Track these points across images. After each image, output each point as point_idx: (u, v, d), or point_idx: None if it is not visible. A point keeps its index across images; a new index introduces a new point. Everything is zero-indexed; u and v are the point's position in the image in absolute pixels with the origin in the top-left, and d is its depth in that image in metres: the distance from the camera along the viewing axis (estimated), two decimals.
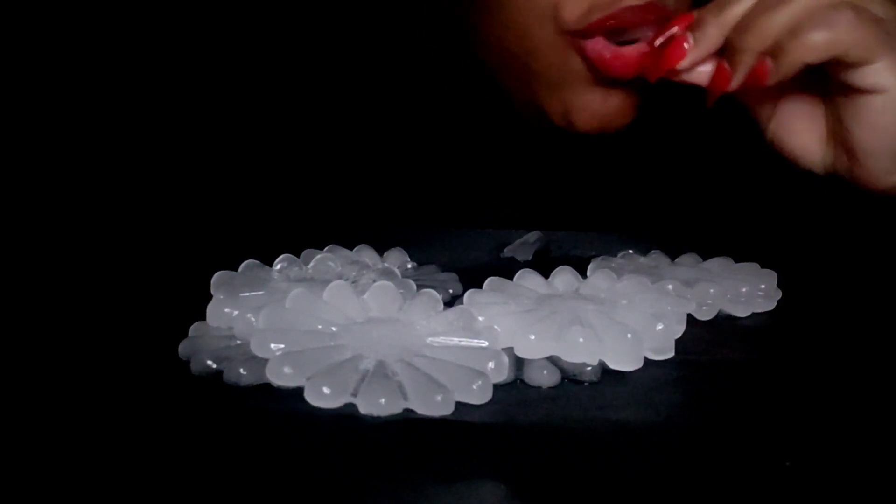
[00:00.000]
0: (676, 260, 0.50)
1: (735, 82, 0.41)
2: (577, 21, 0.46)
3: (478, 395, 0.33)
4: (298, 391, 0.33)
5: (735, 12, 0.40)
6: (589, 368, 0.37)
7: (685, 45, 0.41)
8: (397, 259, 0.49)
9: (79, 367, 0.37)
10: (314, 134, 0.63)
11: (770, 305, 0.46)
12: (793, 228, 0.56)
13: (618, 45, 0.46)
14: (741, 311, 0.45)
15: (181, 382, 0.36)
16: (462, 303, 0.40)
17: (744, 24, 0.40)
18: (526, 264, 0.48)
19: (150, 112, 0.62)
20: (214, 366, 0.35)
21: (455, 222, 0.59)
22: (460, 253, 0.54)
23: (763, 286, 0.46)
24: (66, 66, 0.61)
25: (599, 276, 0.43)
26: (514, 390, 0.36)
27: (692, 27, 0.42)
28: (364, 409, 0.32)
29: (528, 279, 0.43)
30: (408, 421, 0.32)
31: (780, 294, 0.46)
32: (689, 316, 0.42)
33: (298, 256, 0.45)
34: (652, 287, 0.42)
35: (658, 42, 0.43)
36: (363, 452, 0.30)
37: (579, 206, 0.61)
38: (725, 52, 0.41)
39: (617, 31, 0.46)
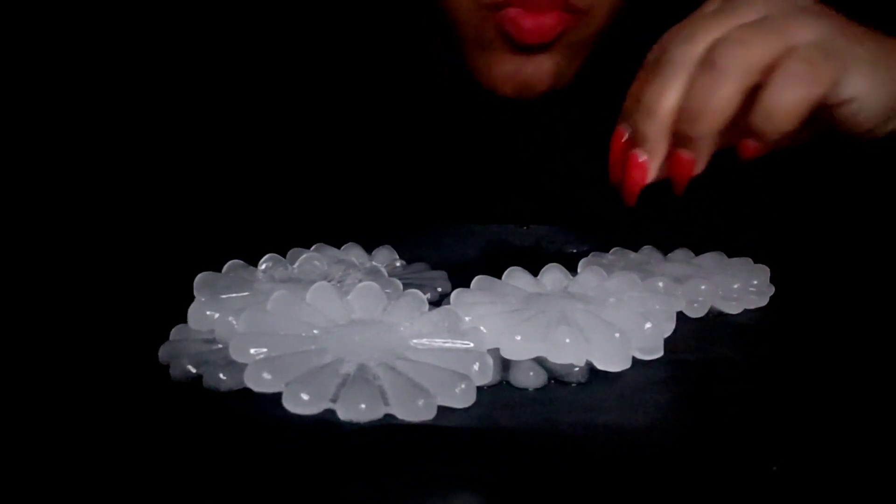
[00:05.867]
0: (668, 255, 0.49)
1: (700, 167, 0.41)
2: None
3: (461, 398, 0.33)
4: (279, 396, 0.32)
5: (666, 108, 0.40)
6: (576, 369, 0.36)
7: (641, 160, 0.40)
8: (385, 257, 0.49)
9: (57, 369, 0.37)
10: (304, 131, 0.63)
11: (762, 302, 0.45)
12: (786, 223, 0.56)
13: (535, 14, 0.51)
14: (733, 308, 0.44)
15: (160, 387, 0.35)
16: (449, 302, 0.39)
17: (689, 114, 0.39)
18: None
19: (133, 112, 0.62)
20: (194, 370, 0.35)
21: (446, 219, 0.59)
22: (451, 250, 0.53)
23: (755, 282, 0.45)
24: (50, 64, 0.61)
25: (589, 274, 0.43)
26: (499, 392, 0.35)
27: (637, 141, 0.40)
28: (343, 415, 0.32)
29: (516, 277, 0.43)
30: (389, 427, 0.32)
31: (772, 290, 0.46)
32: (680, 313, 0.42)
33: (287, 255, 0.45)
34: (641, 285, 0.42)
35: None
36: (343, 459, 0.30)
37: (572, 200, 0.60)
38: (680, 142, 0.40)
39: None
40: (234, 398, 0.34)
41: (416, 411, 0.32)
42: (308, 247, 0.46)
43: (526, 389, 0.35)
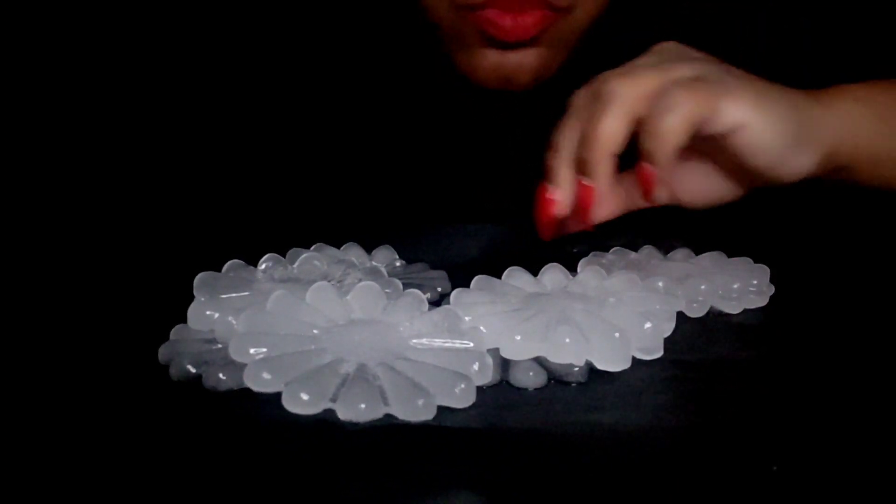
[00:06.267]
0: (668, 255, 0.49)
1: (602, 189, 0.43)
2: None
3: (461, 398, 0.33)
4: (278, 396, 0.32)
5: (566, 142, 0.44)
6: (576, 369, 0.36)
7: (549, 195, 0.44)
8: (385, 257, 0.49)
9: (57, 369, 0.37)
10: (303, 131, 0.63)
11: (762, 301, 0.45)
12: (786, 223, 0.56)
13: (515, 14, 0.51)
14: (733, 308, 0.44)
15: (160, 387, 0.35)
16: (449, 302, 0.39)
17: (583, 141, 0.43)
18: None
19: (133, 112, 0.61)
20: (194, 370, 0.35)
21: (446, 219, 0.59)
22: (451, 250, 0.53)
23: (755, 282, 0.45)
24: (50, 64, 0.61)
25: (588, 274, 0.43)
26: (499, 392, 0.35)
27: (547, 178, 0.44)
28: (343, 414, 0.32)
29: (516, 277, 0.43)
30: (388, 426, 0.32)
31: (772, 290, 0.45)
32: (680, 313, 0.42)
33: (286, 255, 0.45)
34: (641, 284, 0.42)
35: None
36: (343, 459, 0.30)
37: None
38: (581, 170, 0.43)
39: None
40: (234, 398, 0.34)
41: (416, 411, 0.32)
42: (308, 247, 0.46)
43: (526, 389, 0.35)
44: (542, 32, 0.52)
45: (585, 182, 0.43)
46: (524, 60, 0.54)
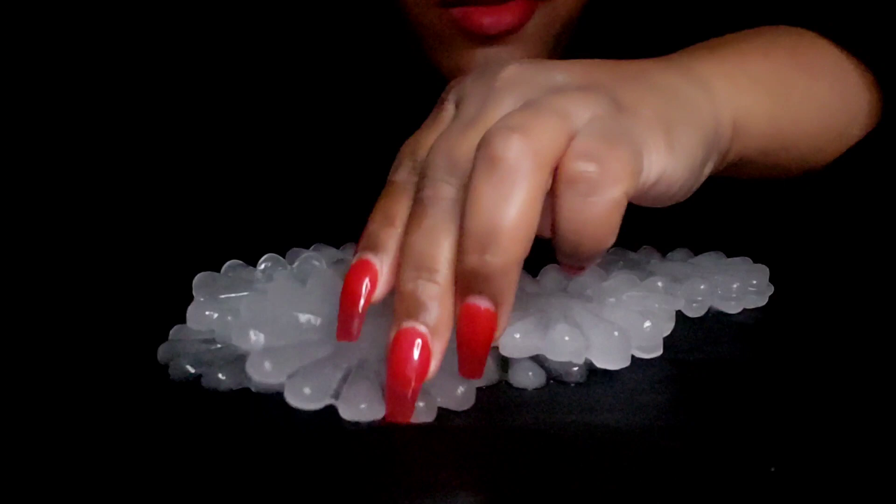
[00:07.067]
0: (667, 255, 0.49)
1: (503, 321, 0.31)
2: None
3: (461, 401, 0.33)
4: (278, 396, 0.32)
5: (443, 242, 0.31)
6: (575, 369, 0.36)
7: (412, 349, 0.30)
8: None
9: (57, 369, 0.37)
10: (303, 131, 0.63)
11: (761, 301, 0.45)
12: (786, 223, 0.56)
13: (491, 6, 0.48)
14: (732, 308, 0.44)
15: (160, 387, 0.35)
16: None
17: (480, 240, 0.29)
18: None
19: (132, 112, 0.62)
20: (193, 370, 0.35)
21: None
22: None
23: (754, 281, 0.45)
24: (50, 64, 0.61)
25: (588, 274, 0.43)
26: (498, 393, 0.35)
27: (403, 312, 0.31)
28: (344, 414, 0.31)
29: None
30: (389, 427, 0.32)
31: (771, 289, 0.46)
32: (679, 313, 0.42)
33: (286, 255, 0.45)
34: (640, 284, 0.42)
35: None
36: (343, 459, 0.30)
37: None
38: (470, 288, 0.30)
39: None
40: (234, 398, 0.34)
41: (416, 412, 0.32)
42: (307, 247, 0.46)
43: (525, 389, 0.35)
44: (523, 22, 0.49)
45: (483, 305, 0.30)
46: (512, 56, 0.51)
